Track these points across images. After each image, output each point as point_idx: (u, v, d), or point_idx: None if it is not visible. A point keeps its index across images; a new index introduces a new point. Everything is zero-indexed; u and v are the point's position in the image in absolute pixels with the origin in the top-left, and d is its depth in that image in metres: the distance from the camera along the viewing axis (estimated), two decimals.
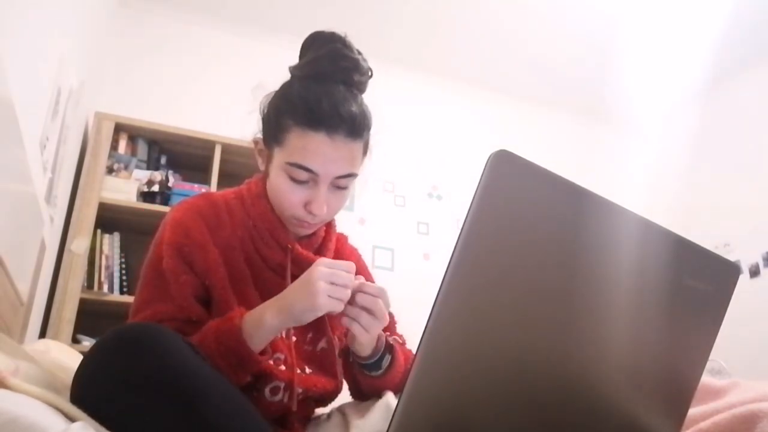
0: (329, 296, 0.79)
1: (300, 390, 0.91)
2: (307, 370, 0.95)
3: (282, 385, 0.89)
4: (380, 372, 0.94)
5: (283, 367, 0.90)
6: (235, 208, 0.97)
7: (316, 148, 0.87)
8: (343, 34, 0.93)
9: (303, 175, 0.89)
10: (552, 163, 0.58)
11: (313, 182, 0.90)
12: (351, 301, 0.82)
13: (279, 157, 0.91)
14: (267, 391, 0.89)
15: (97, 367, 0.66)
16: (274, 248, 0.95)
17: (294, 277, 0.93)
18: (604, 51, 3.23)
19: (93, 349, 0.68)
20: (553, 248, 0.55)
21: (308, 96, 0.89)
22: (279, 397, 0.89)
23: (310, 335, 0.98)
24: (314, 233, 1.02)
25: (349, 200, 3.81)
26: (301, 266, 0.94)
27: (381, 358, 0.93)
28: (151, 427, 0.62)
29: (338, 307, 0.80)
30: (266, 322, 0.81)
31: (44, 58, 1.42)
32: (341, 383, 1.00)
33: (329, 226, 1.06)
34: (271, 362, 0.89)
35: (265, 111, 0.97)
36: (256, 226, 0.95)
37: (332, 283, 0.79)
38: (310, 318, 0.82)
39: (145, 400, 0.62)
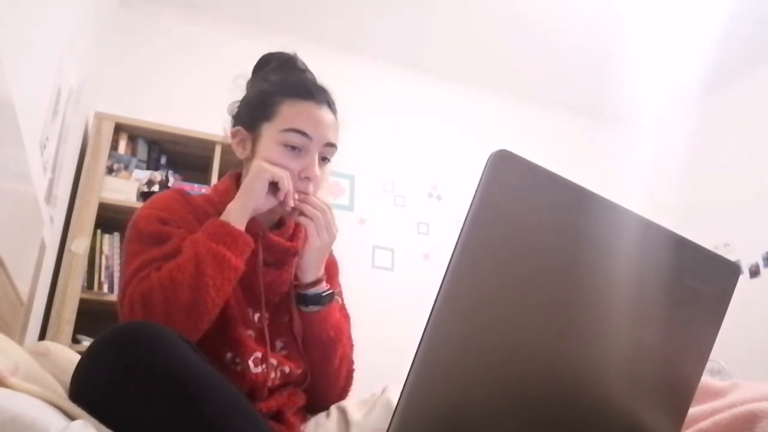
0: (270, 168, 0.92)
1: (275, 362, 0.95)
2: (278, 345, 0.99)
3: (260, 355, 0.93)
4: (318, 308, 0.99)
5: (255, 344, 0.94)
6: (204, 206, 1.01)
7: (308, 114, 0.97)
8: (292, 53, 1.09)
9: (298, 140, 0.96)
10: (552, 163, 0.58)
11: (305, 150, 0.97)
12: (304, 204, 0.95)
13: (270, 130, 0.98)
14: (251, 362, 0.92)
15: (95, 364, 0.67)
16: None
17: (266, 264, 0.99)
18: (604, 50, 3.23)
19: (91, 347, 0.68)
20: (553, 248, 0.55)
21: (291, 78, 1.02)
22: (260, 368, 0.93)
23: (283, 313, 1.02)
24: (284, 224, 1.06)
25: (349, 200, 3.79)
26: (273, 252, 1.00)
27: (323, 295, 1.00)
28: (150, 424, 0.62)
29: (281, 174, 0.92)
30: (232, 210, 0.92)
31: (44, 58, 1.42)
32: (308, 366, 1.02)
33: None
34: (245, 335, 0.94)
35: (241, 104, 1.07)
36: None
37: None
38: (259, 191, 0.92)
39: (144, 397, 0.63)
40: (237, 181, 1.05)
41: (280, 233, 1.03)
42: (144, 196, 2.41)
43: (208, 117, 2.71)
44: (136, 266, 0.87)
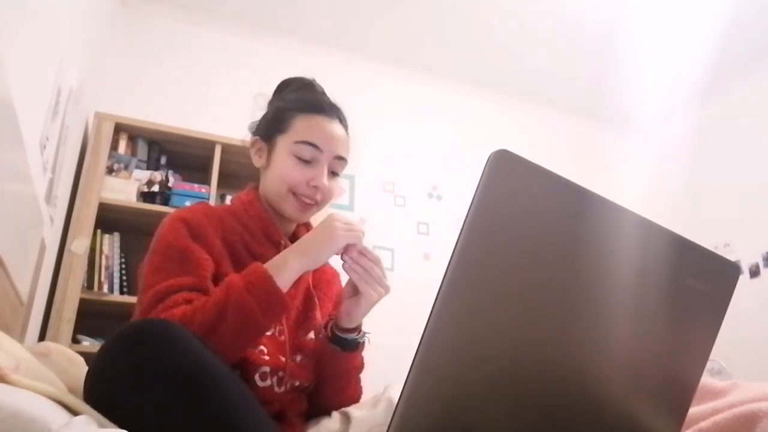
0: (345, 231, 0.92)
1: (281, 373, 0.95)
2: (298, 359, 0.99)
3: (268, 369, 0.93)
4: (354, 351, 1.02)
5: (266, 358, 0.94)
6: (227, 219, 1.03)
7: (319, 127, 1.03)
8: (311, 78, 1.15)
9: (308, 152, 1.02)
10: (552, 164, 0.58)
11: (316, 161, 1.03)
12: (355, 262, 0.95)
13: (284, 142, 1.04)
14: (257, 377, 0.92)
15: (109, 363, 0.67)
16: (266, 245, 1.02)
17: None
18: (605, 51, 3.23)
19: (105, 346, 0.69)
20: (553, 248, 0.55)
21: (305, 96, 1.09)
22: (268, 382, 0.93)
23: (302, 330, 1.04)
24: (299, 235, 1.09)
25: (349, 200, 3.77)
26: None
27: (360, 341, 1.02)
28: (166, 421, 0.63)
29: (357, 239, 0.94)
30: (290, 264, 0.90)
31: (44, 58, 1.42)
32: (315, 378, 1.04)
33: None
34: (256, 351, 0.94)
35: (260, 120, 1.12)
36: (248, 228, 1.02)
37: (346, 224, 0.94)
38: (329, 255, 0.94)
39: (160, 394, 0.63)
40: (257, 191, 1.08)
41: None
42: (144, 196, 2.42)
43: (208, 117, 2.72)
44: (160, 290, 0.87)
